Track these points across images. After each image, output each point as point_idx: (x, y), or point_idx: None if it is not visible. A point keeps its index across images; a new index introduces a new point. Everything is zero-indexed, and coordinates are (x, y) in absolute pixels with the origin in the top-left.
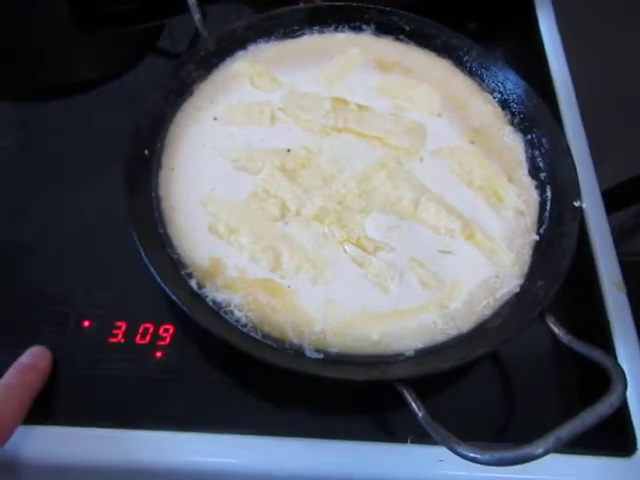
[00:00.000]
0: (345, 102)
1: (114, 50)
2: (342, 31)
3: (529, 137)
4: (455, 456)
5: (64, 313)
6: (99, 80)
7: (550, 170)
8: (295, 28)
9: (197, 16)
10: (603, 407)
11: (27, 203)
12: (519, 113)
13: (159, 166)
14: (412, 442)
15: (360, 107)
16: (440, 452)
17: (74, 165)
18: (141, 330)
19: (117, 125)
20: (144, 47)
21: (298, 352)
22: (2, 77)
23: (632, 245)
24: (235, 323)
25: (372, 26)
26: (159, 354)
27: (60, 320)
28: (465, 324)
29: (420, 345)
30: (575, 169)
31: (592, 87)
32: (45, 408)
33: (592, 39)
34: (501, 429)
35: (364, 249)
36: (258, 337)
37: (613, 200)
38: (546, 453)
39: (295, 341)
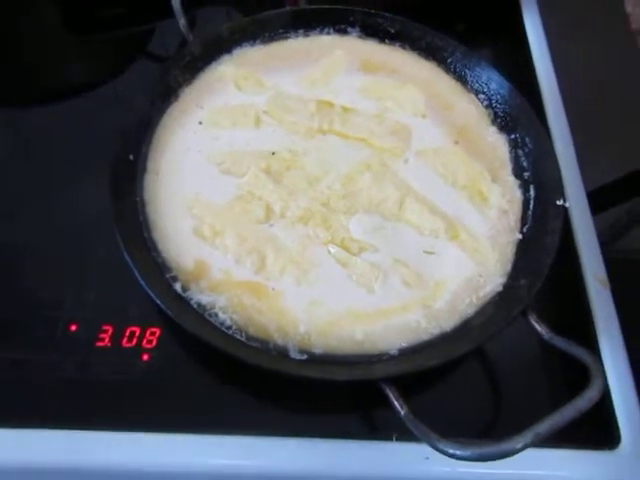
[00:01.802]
0: (330, 104)
1: (105, 54)
2: (327, 33)
3: (513, 137)
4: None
5: (52, 317)
6: (91, 84)
7: (534, 169)
8: (280, 31)
9: (182, 21)
10: (582, 402)
11: (16, 207)
12: (503, 113)
13: (144, 170)
14: (397, 440)
15: (345, 109)
16: (426, 449)
17: (65, 169)
18: (128, 333)
19: (109, 129)
20: (135, 51)
21: (282, 353)
22: None
23: (623, 243)
24: (220, 325)
25: (357, 28)
26: (146, 357)
27: (47, 324)
28: (448, 323)
29: (404, 344)
30: (558, 168)
31: (578, 87)
32: (33, 412)
33: (578, 40)
34: (485, 425)
35: (348, 250)
36: (243, 339)
37: (602, 199)
38: (525, 448)
39: (279, 342)
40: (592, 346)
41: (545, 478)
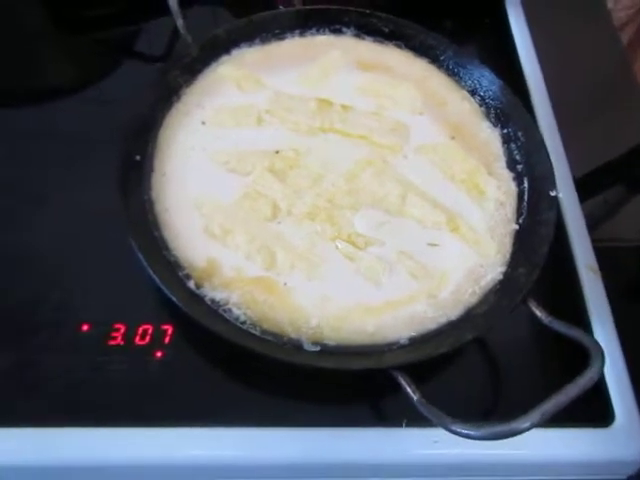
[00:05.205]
0: (330, 103)
1: (91, 55)
2: (323, 34)
3: (505, 131)
4: (449, 436)
5: (62, 317)
6: (78, 85)
7: (526, 162)
8: (277, 32)
9: (180, 21)
10: (584, 381)
11: (18, 212)
12: (495, 109)
13: (151, 170)
14: (407, 426)
15: (344, 107)
16: (434, 433)
17: (58, 171)
18: (140, 332)
19: (97, 130)
20: (121, 51)
21: (296, 346)
22: None
23: (602, 232)
24: (234, 321)
25: (352, 28)
26: (159, 354)
27: (59, 324)
28: (453, 312)
29: (413, 333)
30: (550, 160)
31: (562, 81)
32: (49, 411)
33: (561, 35)
34: (490, 407)
35: (355, 245)
36: (257, 333)
37: (584, 189)
38: (533, 426)
39: (293, 336)
40: (585, 329)
41: (544, 457)
